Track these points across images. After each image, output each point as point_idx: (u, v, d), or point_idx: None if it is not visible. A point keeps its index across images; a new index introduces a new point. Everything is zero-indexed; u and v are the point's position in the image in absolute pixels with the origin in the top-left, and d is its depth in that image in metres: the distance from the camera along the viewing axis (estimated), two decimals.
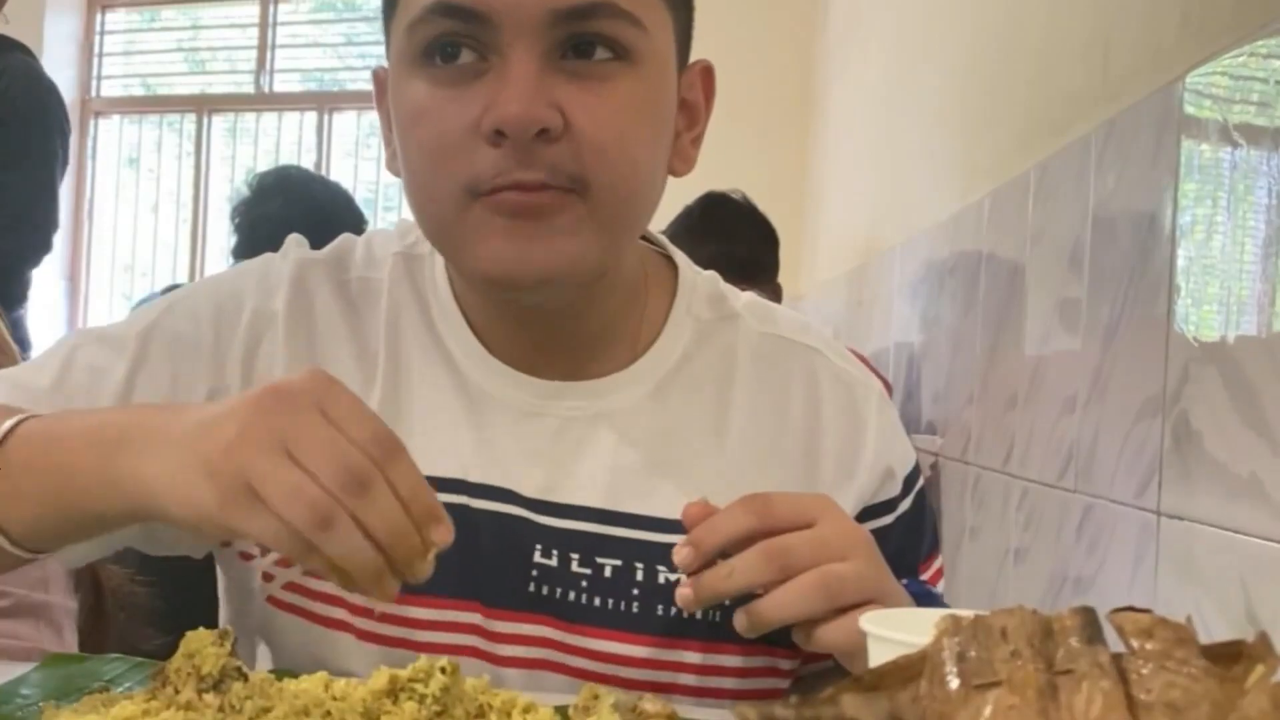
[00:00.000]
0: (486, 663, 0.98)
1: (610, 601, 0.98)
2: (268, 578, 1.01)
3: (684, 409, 1.03)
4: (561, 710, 0.80)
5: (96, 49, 6.21)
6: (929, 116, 2.66)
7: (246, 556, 1.02)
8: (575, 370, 1.01)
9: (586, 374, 1.01)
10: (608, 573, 0.98)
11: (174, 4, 6.31)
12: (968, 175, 2.22)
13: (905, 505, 1.07)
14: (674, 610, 0.96)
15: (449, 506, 0.83)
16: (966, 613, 0.54)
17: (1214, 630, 1.05)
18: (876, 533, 1.01)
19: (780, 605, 0.84)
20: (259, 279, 1.04)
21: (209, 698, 0.76)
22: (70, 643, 1.17)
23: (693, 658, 0.99)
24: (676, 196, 2.81)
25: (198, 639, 0.79)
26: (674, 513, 0.93)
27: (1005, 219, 1.88)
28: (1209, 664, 0.49)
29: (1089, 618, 0.52)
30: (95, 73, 6.22)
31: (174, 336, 1.02)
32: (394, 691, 0.76)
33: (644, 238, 1.08)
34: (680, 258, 1.10)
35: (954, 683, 0.51)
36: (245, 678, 0.79)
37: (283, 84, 6.15)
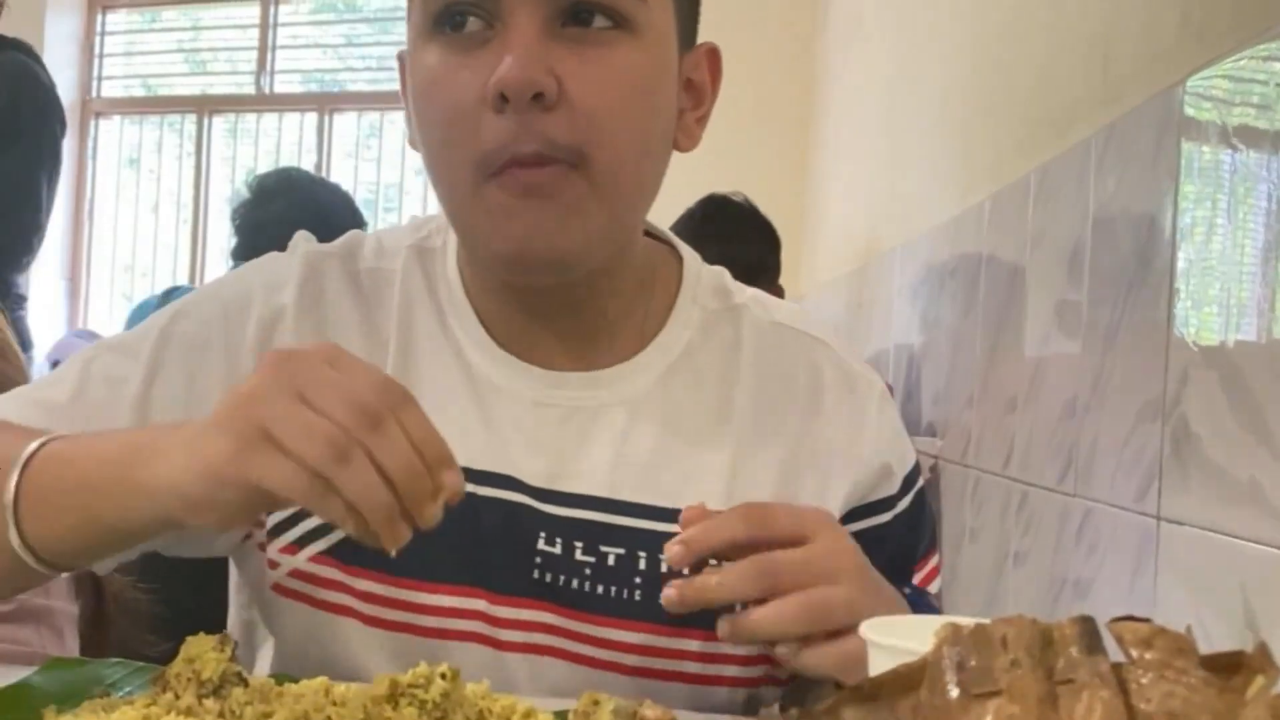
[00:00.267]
0: (490, 648, 0.99)
1: (613, 589, 0.99)
2: (272, 565, 1.02)
3: (688, 398, 1.04)
4: (561, 715, 0.80)
5: (97, 49, 6.21)
6: (930, 119, 2.66)
7: (263, 548, 1.03)
8: (581, 361, 1.03)
9: (593, 364, 1.03)
10: (611, 561, 0.99)
11: (175, 5, 6.30)
12: (968, 177, 2.22)
13: (904, 504, 1.08)
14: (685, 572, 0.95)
15: (467, 496, 0.85)
16: (967, 621, 0.54)
17: (1213, 635, 1.05)
18: (874, 531, 1.04)
19: (763, 622, 0.84)
20: (267, 276, 1.06)
21: (209, 703, 0.76)
22: (72, 647, 1.17)
23: (695, 645, 1.00)
24: (678, 199, 2.81)
25: (198, 644, 0.79)
26: (677, 502, 0.94)
27: (1006, 221, 1.88)
28: (1208, 674, 0.49)
29: (1089, 627, 0.52)
30: (96, 73, 6.22)
31: (187, 339, 1.03)
32: (394, 697, 0.76)
33: (649, 234, 1.10)
34: (686, 251, 1.12)
35: (954, 692, 0.51)
36: (245, 683, 0.79)
37: (283, 85, 6.15)
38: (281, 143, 6.11)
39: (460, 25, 0.92)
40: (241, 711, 0.76)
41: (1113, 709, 0.49)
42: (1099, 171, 1.44)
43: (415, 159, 5.78)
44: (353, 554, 0.98)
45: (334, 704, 0.76)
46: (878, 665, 0.68)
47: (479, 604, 0.99)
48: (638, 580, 0.99)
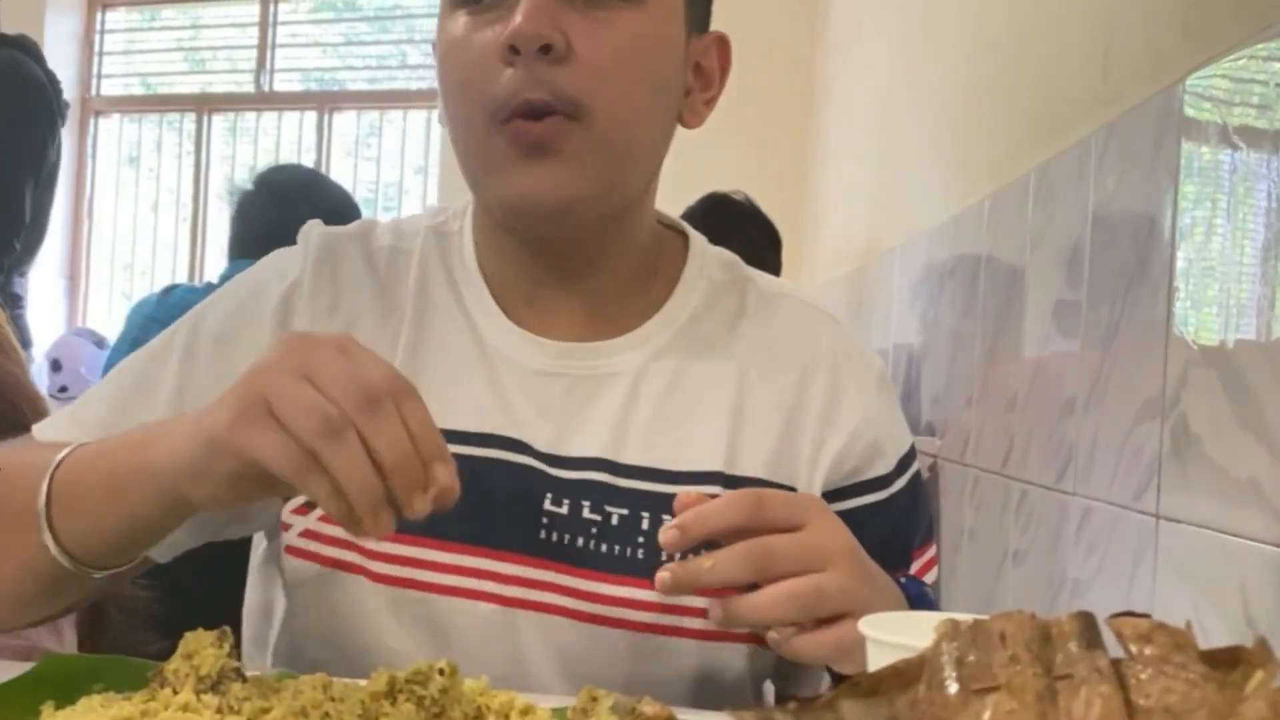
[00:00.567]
0: (497, 606, 1.02)
1: (617, 548, 1.03)
2: (285, 526, 1.05)
3: (690, 367, 1.08)
4: (560, 713, 0.80)
5: (97, 48, 6.22)
6: (929, 118, 2.66)
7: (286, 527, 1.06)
8: (589, 332, 1.08)
9: (600, 336, 1.08)
10: (615, 521, 1.03)
11: (174, 3, 6.31)
12: (968, 177, 2.22)
13: (900, 484, 1.11)
14: (680, 557, 0.96)
15: (465, 457, 0.95)
16: (965, 617, 0.54)
17: (1212, 634, 1.05)
18: (869, 508, 1.08)
19: (755, 608, 0.85)
20: (280, 263, 1.12)
21: (207, 698, 0.76)
22: (69, 642, 1.17)
23: (698, 603, 1.02)
24: (679, 197, 2.81)
25: (196, 640, 0.79)
26: (679, 465, 1.03)
27: (1005, 221, 1.88)
28: (1208, 669, 0.49)
29: (1088, 622, 0.52)
30: (95, 71, 6.23)
31: (211, 336, 1.09)
32: (392, 693, 0.77)
33: (659, 221, 1.16)
34: (694, 232, 1.17)
35: (953, 687, 0.51)
36: (244, 678, 0.79)
37: (283, 83, 6.15)
38: (281, 141, 6.12)
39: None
40: (240, 707, 0.76)
41: (1112, 704, 0.49)
42: (1098, 171, 1.44)
43: (415, 158, 5.74)
44: None
45: (332, 699, 0.76)
46: (877, 661, 0.68)
47: (488, 563, 1.02)
48: (640, 540, 1.03)
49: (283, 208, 2.65)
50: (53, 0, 5.88)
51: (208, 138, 6.15)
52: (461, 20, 1.01)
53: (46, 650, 1.11)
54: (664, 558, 0.96)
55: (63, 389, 4.59)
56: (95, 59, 6.23)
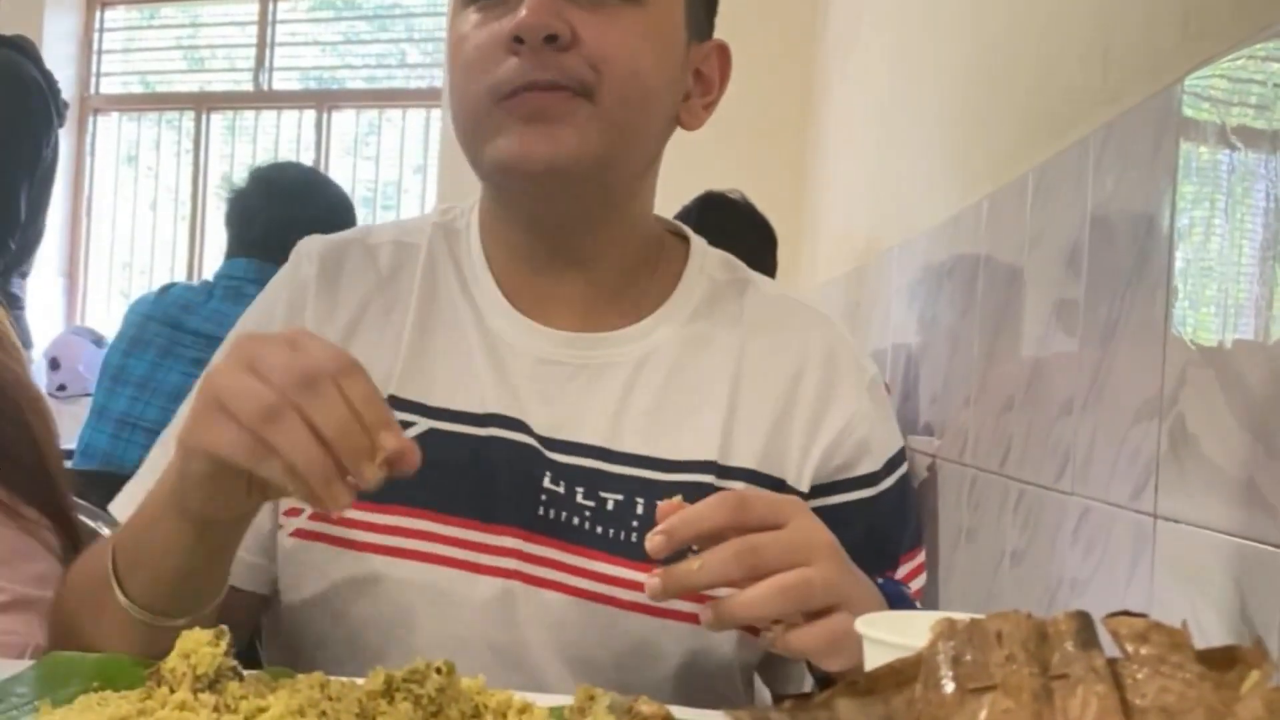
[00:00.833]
0: (497, 578, 1.06)
1: (611, 531, 1.06)
2: (293, 512, 1.09)
3: (689, 361, 1.12)
4: (557, 711, 0.80)
5: (96, 46, 6.22)
6: (928, 118, 2.66)
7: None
8: (591, 323, 1.12)
9: (600, 325, 1.12)
10: (610, 506, 1.07)
11: (173, 1, 6.31)
12: (966, 177, 2.22)
13: (888, 484, 1.14)
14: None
15: (468, 435, 1.04)
16: (962, 616, 0.54)
17: (1210, 634, 1.05)
18: (857, 505, 1.11)
19: (747, 605, 0.86)
20: (285, 278, 1.17)
21: (204, 697, 0.76)
22: None
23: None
24: (677, 197, 2.81)
25: (193, 638, 0.79)
26: (674, 454, 1.07)
27: (1003, 221, 1.88)
28: (1204, 669, 0.49)
29: (1084, 622, 0.52)
30: (94, 70, 6.23)
31: None
32: (390, 692, 0.76)
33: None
34: (694, 235, 1.21)
35: (949, 686, 0.51)
36: (241, 677, 0.79)
37: (282, 82, 6.15)
38: (280, 140, 6.11)
39: None
40: (236, 705, 0.76)
41: (1108, 704, 0.49)
42: (1097, 171, 1.44)
43: (414, 157, 5.73)
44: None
45: (329, 698, 0.76)
46: (873, 660, 0.68)
47: (487, 536, 1.06)
48: (634, 524, 1.06)
49: (289, 207, 2.64)
50: None
51: (206, 136, 6.15)
52: (471, 17, 1.05)
53: (42, 645, 1.11)
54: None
55: (61, 387, 4.59)
56: (94, 57, 6.22)
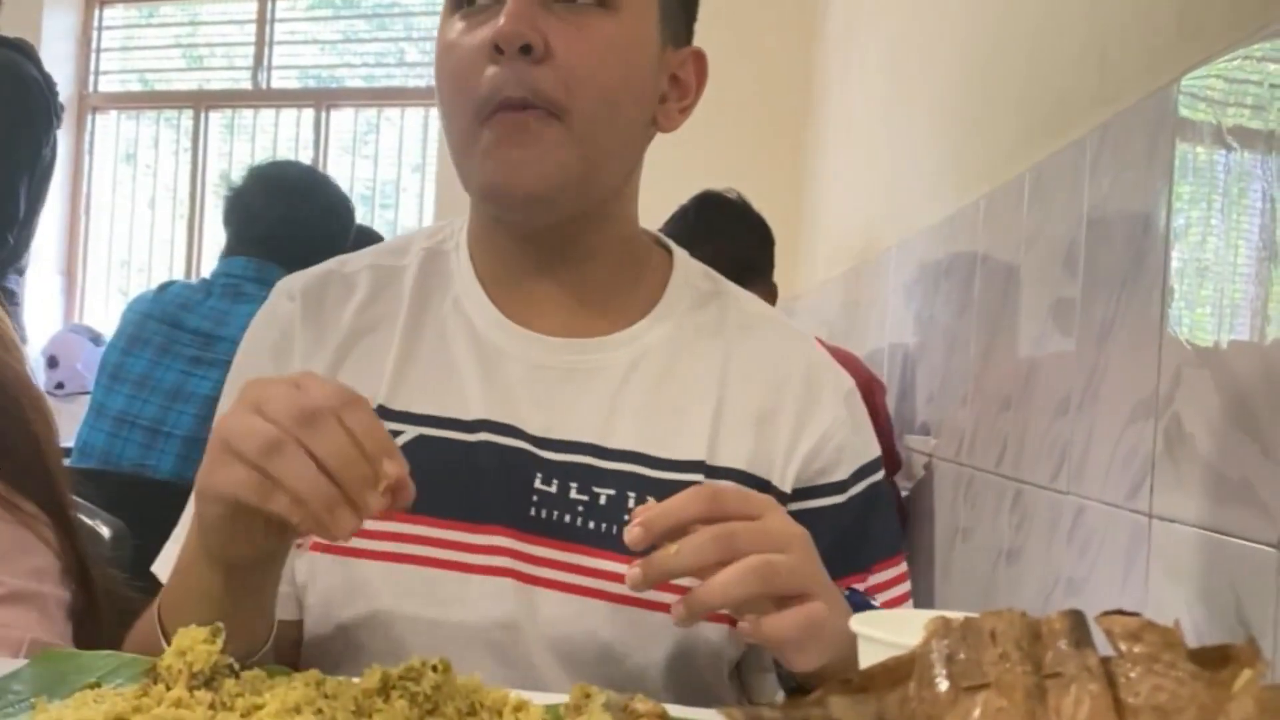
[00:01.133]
0: (490, 576, 1.07)
1: (604, 525, 1.08)
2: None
3: (678, 363, 1.15)
4: (553, 709, 0.80)
5: (95, 44, 6.21)
6: (926, 118, 2.67)
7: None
8: (580, 330, 1.15)
9: (588, 331, 1.15)
10: (603, 500, 1.09)
11: (172, 0, 6.30)
12: (963, 177, 2.22)
13: (856, 490, 1.15)
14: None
15: (459, 441, 1.08)
16: (956, 615, 0.54)
17: (1205, 633, 1.05)
18: (826, 510, 1.13)
19: (720, 587, 0.86)
20: (266, 317, 1.20)
21: (200, 694, 0.76)
22: (63, 633, 1.18)
23: (681, 580, 1.05)
24: (675, 196, 2.81)
25: (189, 636, 0.79)
26: (664, 451, 1.10)
27: (1000, 221, 1.88)
28: (1196, 668, 0.49)
29: (1077, 621, 0.52)
30: (93, 68, 6.22)
31: None
32: (386, 689, 0.77)
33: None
34: (677, 247, 1.24)
35: (943, 685, 0.51)
36: (236, 675, 0.79)
37: (280, 81, 6.15)
38: (278, 139, 6.11)
39: (472, 1, 1.09)
40: (232, 703, 0.76)
41: (1101, 702, 0.49)
42: (1093, 171, 1.44)
43: (412, 156, 5.73)
44: None
45: (325, 696, 0.76)
46: (867, 658, 0.68)
47: (480, 537, 1.08)
48: (626, 518, 1.06)
49: (291, 206, 2.64)
50: None
51: (205, 135, 6.15)
52: (457, 24, 1.09)
53: (38, 638, 1.11)
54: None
55: (59, 385, 4.59)
56: (93, 55, 6.22)
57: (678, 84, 1.16)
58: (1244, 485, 1.00)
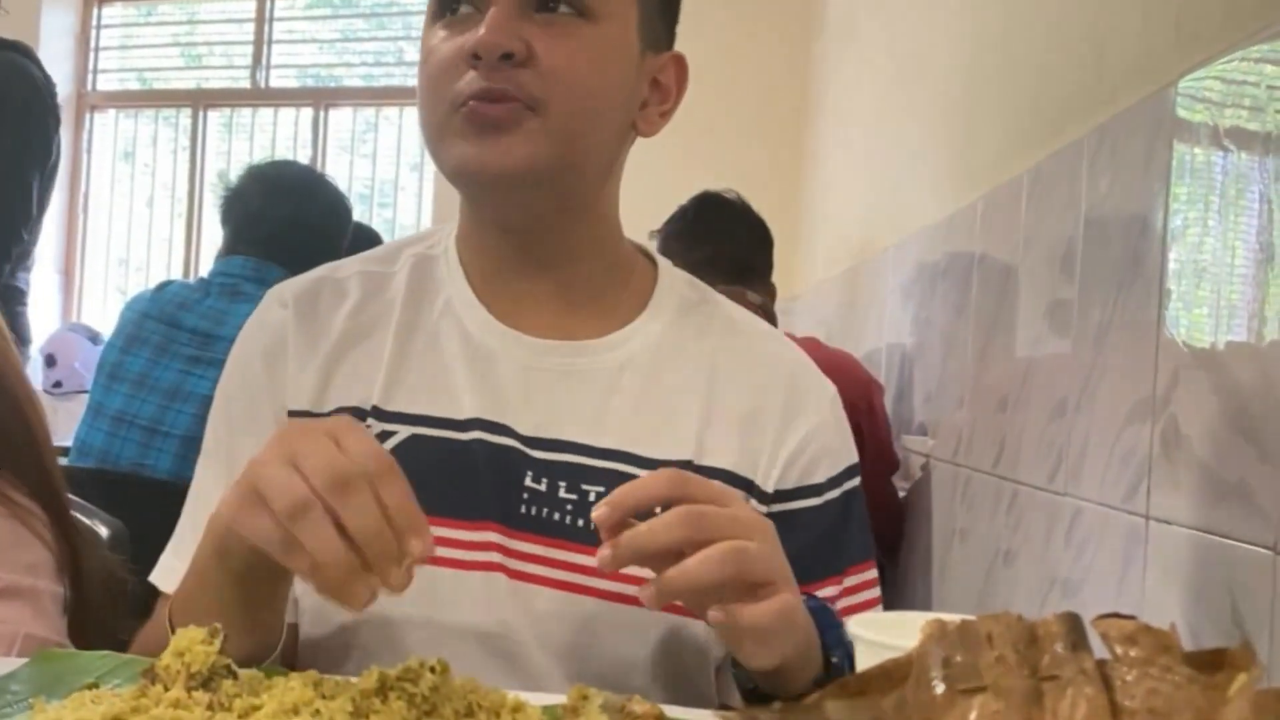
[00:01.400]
0: (481, 572, 1.08)
1: (592, 523, 1.06)
2: None
3: (665, 366, 1.17)
4: (550, 710, 0.80)
5: (93, 43, 6.20)
6: (924, 119, 2.67)
7: None
8: (566, 329, 1.16)
9: (577, 334, 1.16)
10: (591, 498, 1.10)
11: None
12: (962, 178, 2.22)
13: (833, 495, 1.17)
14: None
15: (451, 440, 1.09)
16: (952, 618, 0.54)
17: (1201, 635, 1.05)
18: (803, 513, 1.15)
19: (694, 568, 0.86)
20: (257, 329, 1.20)
21: (198, 695, 0.76)
22: (58, 628, 1.18)
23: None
24: (674, 197, 2.81)
25: (187, 637, 0.79)
26: (652, 451, 1.11)
27: (998, 222, 1.88)
28: (1192, 671, 0.50)
29: (1074, 624, 0.52)
30: (91, 66, 6.21)
31: (235, 416, 1.18)
32: (383, 690, 0.77)
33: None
34: (661, 258, 1.27)
35: (939, 687, 0.51)
36: (235, 675, 0.79)
37: (279, 79, 6.14)
38: (277, 138, 6.10)
39: (455, 10, 1.10)
40: (230, 704, 0.76)
41: (1097, 705, 0.49)
42: (1091, 172, 1.44)
43: (411, 155, 5.72)
44: None
45: (323, 696, 0.76)
46: (864, 661, 0.68)
47: (471, 534, 1.09)
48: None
49: (291, 206, 2.63)
50: None
51: (203, 133, 6.14)
52: (439, 32, 1.10)
53: (33, 634, 1.12)
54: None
55: (57, 384, 4.59)
56: (91, 54, 6.21)
57: (658, 88, 1.18)
58: (1240, 487, 1.01)
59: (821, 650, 0.96)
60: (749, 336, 1.22)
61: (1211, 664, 0.50)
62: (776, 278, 2.83)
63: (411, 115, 5.89)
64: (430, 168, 5.73)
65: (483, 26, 1.05)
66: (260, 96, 6.11)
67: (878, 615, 0.76)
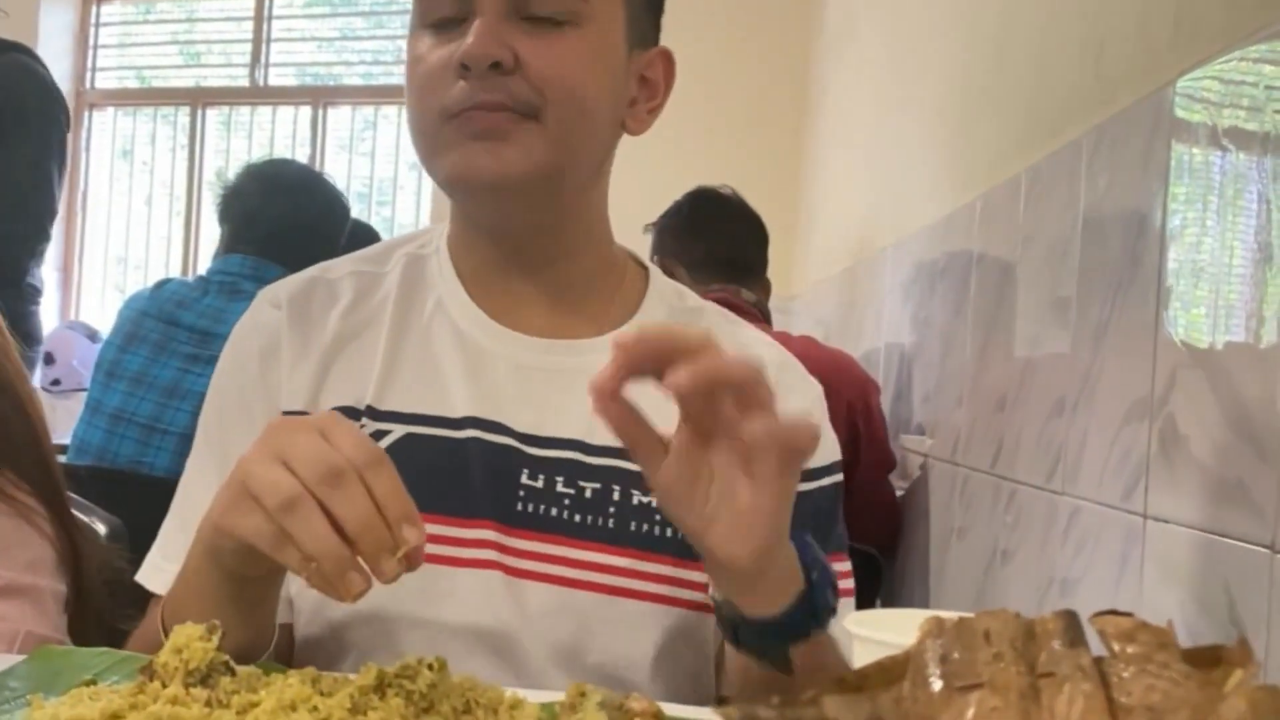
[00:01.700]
0: (478, 570, 1.09)
1: (590, 518, 1.11)
2: None
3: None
4: (548, 707, 0.80)
5: (92, 41, 6.20)
6: (923, 118, 2.67)
7: None
8: (562, 329, 1.17)
9: (570, 333, 1.17)
10: (588, 494, 1.11)
11: None
12: (960, 177, 2.22)
13: (825, 482, 1.18)
14: (646, 527, 1.10)
15: (446, 438, 1.09)
16: (950, 615, 0.54)
17: (1198, 633, 1.05)
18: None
19: (724, 364, 0.83)
20: (250, 330, 1.20)
21: (196, 691, 0.76)
22: (58, 626, 1.18)
23: (665, 570, 1.10)
24: (670, 194, 2.81)
25: (185, 633, 0.79)
26: None
27: (996, 221, 1.88)
28: (1189, 668, 0.50)
29: (1071, 621, 0.53)
30: (90, 64, 6.21)
31: (228, 413, 1.18)
32: (381, 687, 0.77)
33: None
34: (650, 263, 1.28)
35: (937, 684, 0.51)
36: (233, 672, 0.79)
37: (278, 78, 6.14)
38: (275, 136, 6.10)
39: (440, 17, 1.09)
40: (228, 700, 0.76)
41: (1094, 702, 0.49)
42: (1089, 172, 1.44)
43: (409, 153, 5.76)
44: None
45: (321, 694, 0.76)
46: (862, 658, 0.68)
47: (468, 531, 1.09)
48: (611, 510, 1.11)
49: (291, 204, 2.64)
50: None
51: (202, 132, 6.14)
52: (426, 39, 1.10)
53: (33, 631, 1.12)
54: (649, 499, 1.08)
55: (55, 382, 4.59)
56: (90, 52, 6.21)
57: (646, 85, 1.18)
58: (1238, 486, 1.01)
59: (802, 569, 0.91)
60: (736, 335, 1.23)
61: (1208, 661, 0.50)
62: (774, 276, 2.83)
63: None
64: None
65: (470, 36, 1.05)
66: (259, 95, 6.11)
67: (876, 613, 0.76)
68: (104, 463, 2.46)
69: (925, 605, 2.16)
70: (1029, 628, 0.53)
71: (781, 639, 0.91)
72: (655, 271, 1.26)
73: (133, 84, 6.33)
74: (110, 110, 6.25)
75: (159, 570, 1.13)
